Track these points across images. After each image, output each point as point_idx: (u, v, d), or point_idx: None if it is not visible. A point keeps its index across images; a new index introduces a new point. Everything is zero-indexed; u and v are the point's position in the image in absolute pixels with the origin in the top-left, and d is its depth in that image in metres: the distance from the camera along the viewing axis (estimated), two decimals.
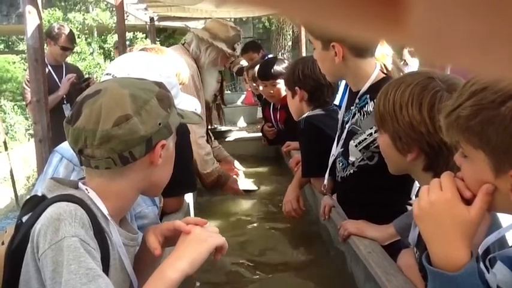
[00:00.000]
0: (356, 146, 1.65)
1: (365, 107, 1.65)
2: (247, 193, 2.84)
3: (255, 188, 2.93)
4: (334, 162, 1.82)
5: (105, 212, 1.02)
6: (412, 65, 4.63)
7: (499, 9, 0.16)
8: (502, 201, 0.82)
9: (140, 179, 1.07)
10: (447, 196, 0.84)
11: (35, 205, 1.00)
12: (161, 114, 1.04)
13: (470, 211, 0.83)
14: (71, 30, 4.11)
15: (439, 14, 0.17)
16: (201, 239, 1.04)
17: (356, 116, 1.68)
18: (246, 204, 2.65)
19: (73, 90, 3.87)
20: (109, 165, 1.01)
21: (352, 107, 1.72)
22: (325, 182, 1.92)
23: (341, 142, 1.76)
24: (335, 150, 1.82)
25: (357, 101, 1.69)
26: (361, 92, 1.68)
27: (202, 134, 2.77)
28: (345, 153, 1.72)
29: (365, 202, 1.66)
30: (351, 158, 1.68)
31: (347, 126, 1.72)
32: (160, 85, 1.10)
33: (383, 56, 1.81)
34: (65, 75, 3.97)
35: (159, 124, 1.04)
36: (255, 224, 2.28)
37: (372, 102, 1.61)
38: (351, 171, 1.69)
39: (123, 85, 1.05)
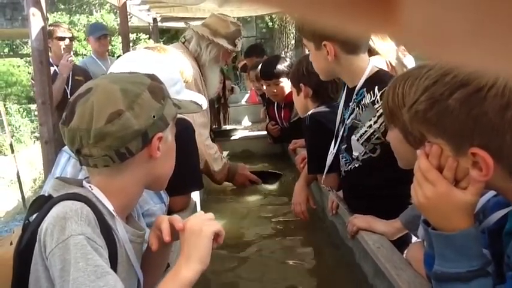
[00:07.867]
0: (358, 139, 1.66)
1: (362, 100, 1.66)
2: (276, 178, 2.88)
3: (279, 172, 2.97)
4: (338, 158, 1.82)
5: (111, 208, 1.01)
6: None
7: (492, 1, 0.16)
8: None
9: (142, 174, 1.05)
10: (441, 190, 0.89)
11: (41, 205, 1.00)
12: (154, 106, 1.02)
13: (467, 194, 0.87)
14: (67, 26, 4.21)
15: (430, 6, 0.17)
16: (197, 230, 1.01)
17: (355, 111, 1.69)
18: (252, 202, 2.65)
19: (78, 86, 3.85)
20: (107, 163, 1.00)
21: (350, 103, 1.72)
22: (323, 178, 1.96)
23: (340, 139, 1.77)
24: (333, 148, 1.82)
25: (354, 96, 1.70)
26: (357, 87, 1.69)
27: (208, 135, 2.78)
28: (348, 149, 1.72)
29: (371, 195, 1.66)
30: (355, 153, 1.69)
31: (347, 122, 1.73)
32: (152, 77, 1.08)
33: (387, 51, 1.81)
34: (72, 76, 3.91)
35: (154, 117, 1.02)
36: (262, 221, 2.28)
37: (369, 94, 1.63)
38: (356, 165, 1.70)
39: (113, 81, 1.04)
